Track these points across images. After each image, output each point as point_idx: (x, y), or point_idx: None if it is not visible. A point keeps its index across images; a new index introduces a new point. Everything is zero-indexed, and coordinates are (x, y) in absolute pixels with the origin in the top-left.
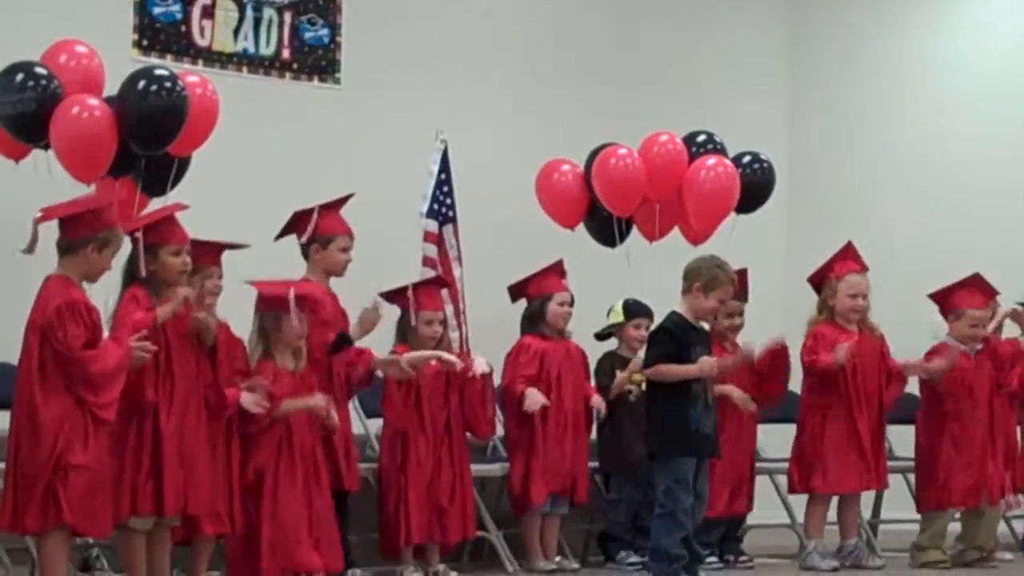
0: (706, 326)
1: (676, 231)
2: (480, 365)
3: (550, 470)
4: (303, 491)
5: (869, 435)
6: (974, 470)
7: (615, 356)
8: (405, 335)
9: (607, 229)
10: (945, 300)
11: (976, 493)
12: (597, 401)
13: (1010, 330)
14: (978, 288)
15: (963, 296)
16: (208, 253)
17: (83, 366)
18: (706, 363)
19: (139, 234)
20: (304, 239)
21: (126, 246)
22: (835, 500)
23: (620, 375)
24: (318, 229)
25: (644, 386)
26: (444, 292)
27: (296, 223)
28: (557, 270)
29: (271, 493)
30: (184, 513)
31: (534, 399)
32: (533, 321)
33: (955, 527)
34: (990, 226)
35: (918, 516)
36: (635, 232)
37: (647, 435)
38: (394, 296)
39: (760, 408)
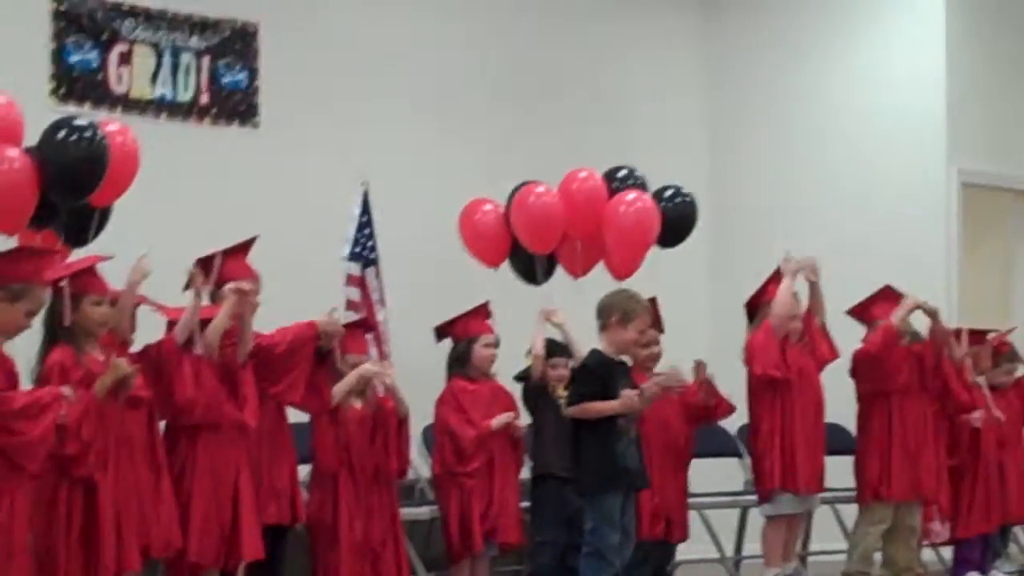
0: (628, 360)
1: (601, 267)
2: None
3: (483, 513)
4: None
5: (814, 443)
6: (909, 464)
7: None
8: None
9: (530, 267)
10: (864, 313)
11: (912, 487)
12: (509, 423)
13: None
14: (889, 299)
15: (879, 308)
16: None
17: None
18: (628, 396)
19: (64, 283)
20: (209, 286)
21: None
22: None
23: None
24: (221, 275)
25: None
26: (368, 336)
27: (199, 271)
28: (482, 312)
29: None
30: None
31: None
32: (460, 363)
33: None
34: (899, 252)
35: (846, 546)
36: (561, 269)
37: (574, 474)
38: None
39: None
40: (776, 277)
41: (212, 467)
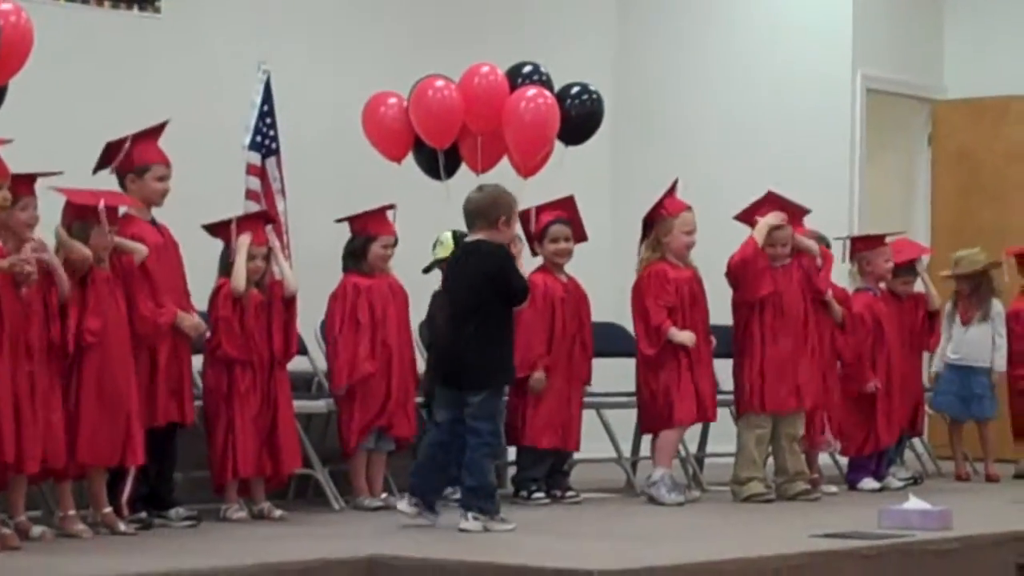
0: None
1: (506, 164)
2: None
3: (373, 408)
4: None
5: (707, 371)
6: (788, 377)
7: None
8: (228, 269)
9: (434, 162)
10: (749, 219)
11: (791, 398)
12: None
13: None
14: (774, 204)
15: (762, 213)
16: (22, 184)
17: None
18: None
19: None
20: (116, 169)
21: None
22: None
23: None
24: (132, 158)
25: None
26: (268, 227)
27: (110, 153)
28: (385, 212)
29: None
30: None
31: None
32: (355, 258)
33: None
34: (804, 157)
35: None
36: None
37: (470, 370)
38: (217, 229)
39: None
40: (672, 192)
41: (100, 376)
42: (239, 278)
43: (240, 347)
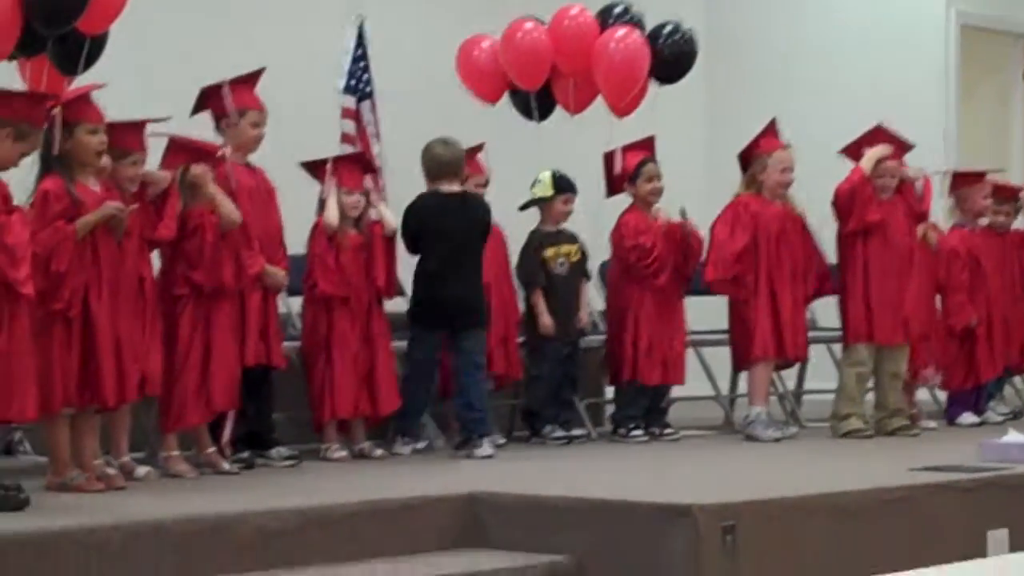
0: None
1: (600, 104)
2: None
3: None
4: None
5: (790, 308)
6: (895, 310)
7: (542, 234)
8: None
9: (528, 104)
10: (856, 153)
11: (898, 330)
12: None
13: None
14: (882, 137)
15: (871, 145)
16: (131, 136)
17: None
18: None
19: (56, 111)
20: (229, 114)
21: None
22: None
23: None
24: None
25: (573, 259)
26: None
27: (206, 99)
28: (474, 153)
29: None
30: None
31: None
32: None
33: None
34: (899, 93)
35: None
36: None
37: (480, 310)
38: (314, 168)
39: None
40: (769, 130)
41: (219, 325)
42: (332, 214)
43: (336, 283)
